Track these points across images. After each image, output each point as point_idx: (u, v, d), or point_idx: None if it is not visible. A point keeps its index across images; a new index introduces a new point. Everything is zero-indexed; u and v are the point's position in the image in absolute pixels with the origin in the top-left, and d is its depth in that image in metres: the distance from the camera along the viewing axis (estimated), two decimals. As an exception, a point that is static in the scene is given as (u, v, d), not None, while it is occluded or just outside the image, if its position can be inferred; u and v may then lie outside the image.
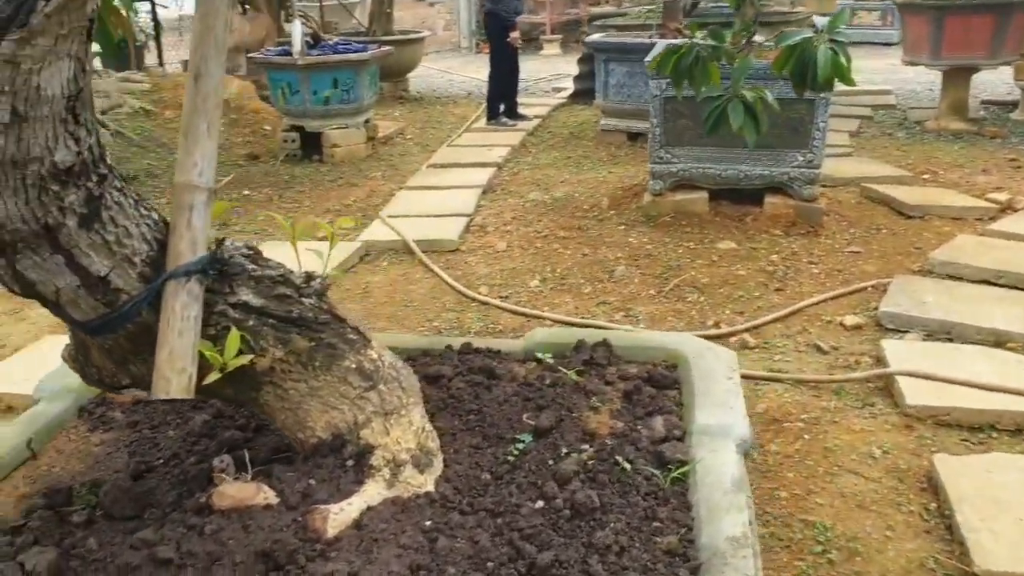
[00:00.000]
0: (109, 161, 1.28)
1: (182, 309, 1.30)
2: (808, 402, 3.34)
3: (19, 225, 1.17)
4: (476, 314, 4.72)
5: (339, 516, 1.39)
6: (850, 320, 4.05)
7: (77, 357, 1.38)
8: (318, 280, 1.54)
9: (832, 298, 4.43)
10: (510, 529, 1.36)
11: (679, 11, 7.79)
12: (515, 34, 8.08)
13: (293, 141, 8.34)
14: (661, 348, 2.00)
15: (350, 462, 1.50)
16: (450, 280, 5.27)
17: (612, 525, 1.39)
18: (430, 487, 1.49)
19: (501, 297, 5.01)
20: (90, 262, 1.24)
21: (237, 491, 1.44)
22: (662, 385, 1.85)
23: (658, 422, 1.68)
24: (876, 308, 4.06)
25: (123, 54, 12.77)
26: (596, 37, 8.18)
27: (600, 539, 1.35)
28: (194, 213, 1.34)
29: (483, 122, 9.09)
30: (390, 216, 6.44)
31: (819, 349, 3.73)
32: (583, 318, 4.59)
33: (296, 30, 7.87)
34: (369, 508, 1.41)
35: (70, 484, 1.51)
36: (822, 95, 5.07)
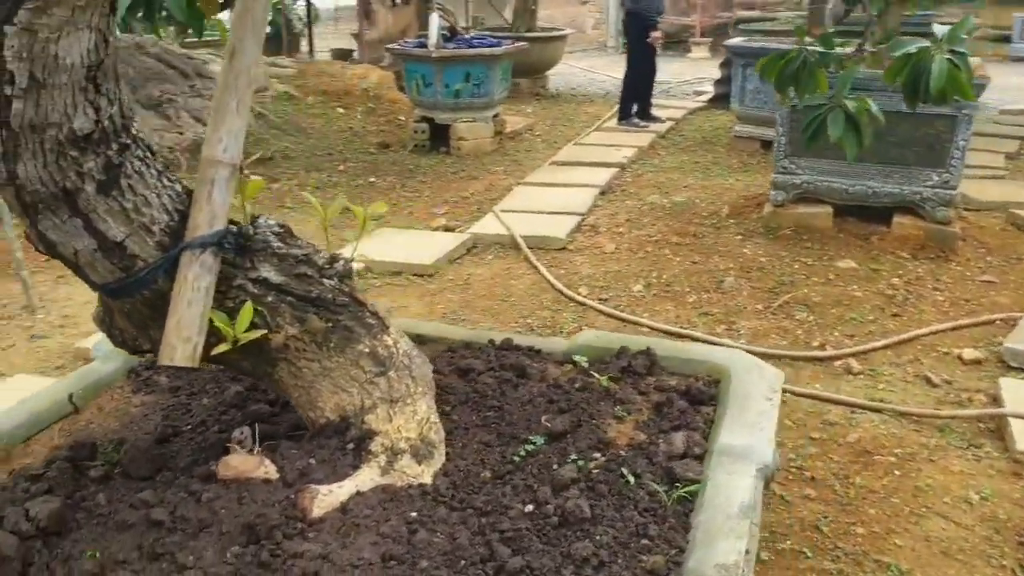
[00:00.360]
0: (137, 132, 1.33)
1: (194, 280, 1.34)
2: (906, 436, 3.16)
3: (39, 187, 1.23)
4: (572, 314, 4.68)
5: (327, 498, 1.40)
6: (969, 354, 3.79)
7: (104, 319, 1.45)
8: (341, 262, 1.56)
9: (953, 328, 4.16)
10: (492, 530, 1.34)
11: (825, 17, 7.48)
12: (656, 34, 7.95)
13: (423, 132, 8.52)
14: (705, 362, 1.92)
15: (351, 445, 1.51)
16: (551, 278, 5.24)
17: (598, 538, 1.34)
18: (426, 479, 1.48)
19: (601, 299, 4.96)
20: (107, 227, 1.29)
21: (240, 463, 1.47)
22: (697, 400, 1.78)
23: (679, 437, 1.61)
24: (1001, 343, 3.79)
25: (277, 40, 13.38)
26: (735, 41, 7.97)
27: (580, 550, 1.30)
28: (215, 187, 1.37)
29: (614, 122, 9.01)
30: (503, 211, 6.47)
31: (929, 381, 3.51)
32: (682, 327, 4.49)
33: (433, 23, 8.01)
34: (359, 493, 1.42)
35: (96, 440, 1.58)
36: (964, 111, 4.77)
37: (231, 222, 1.46)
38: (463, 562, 1.25)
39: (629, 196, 7.11)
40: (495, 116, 8.53)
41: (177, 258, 1.35)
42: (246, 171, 1.47)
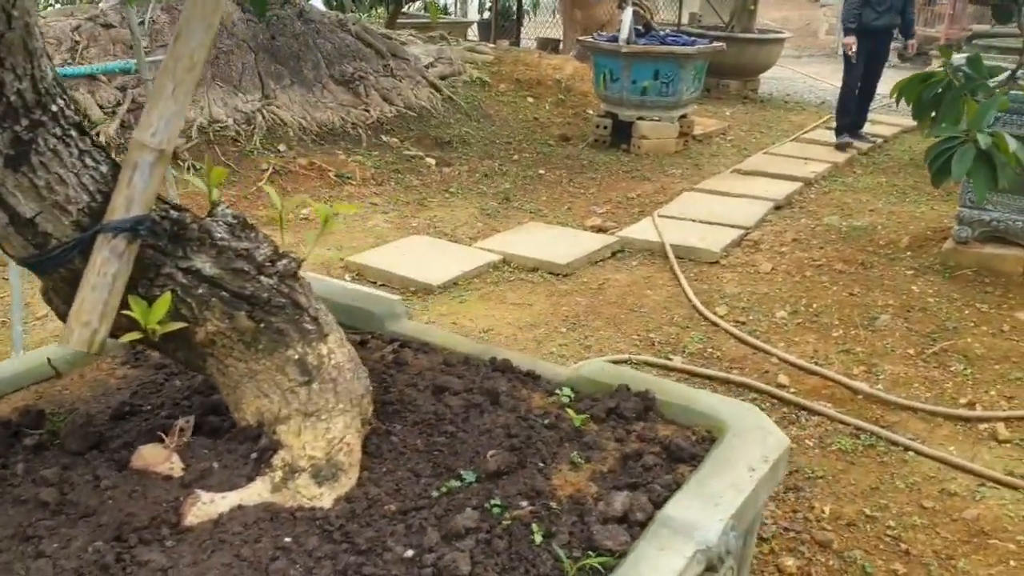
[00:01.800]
0: (60, 109, 1.32)
1: (102, 264, 1.31)
2: (1038, 523, 2.73)
3: None
4: (700, 334, 4.44)
5: (207, 507, 1.33)
6: None
7: (46, 292, 1.46)
8: (285, 261, 1.49)
9: None
10: (356, 573, 1.22)
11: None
12: (847, 40, 7.37)
13: (604, 128, 8.38)
14: (705, 414, 1.70)
15: (254, 455, 1.44)
16: (690, 293, 5.00)
17: None
18: (325, 502, 1.38)
19: (737, 322, 4.67)
20: (16, 203, 1.29)
21: (150, 455, 1.44)
22: (676, 457, 1.57)
23: (620, 498, 1.42)
24: None
25: (487, 26, 13.61)
26: (959, 57, 7.24)
27: None
28: (137, 172, 1.34)
29: (816, 133, 8.51)
30: (663, 216, 6.24)
31: (1088, 467, 3.01)
32: (818, 363, 4.16)
33: (626, 17, 7.83)
34: (240, 507, 1.34)
35: (47, 409, 1.61)
36: None
37: (209, 206, 1.43)
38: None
39: (805, 214, 6.66)
40: (682, 117, 8.24)
41: (92, 240, 1.33)
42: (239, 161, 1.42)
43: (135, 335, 1.38)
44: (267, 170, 6.53)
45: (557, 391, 1.76)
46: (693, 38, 8.55)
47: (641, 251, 5.76)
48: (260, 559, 1.24)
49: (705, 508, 1.40)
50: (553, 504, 1.44)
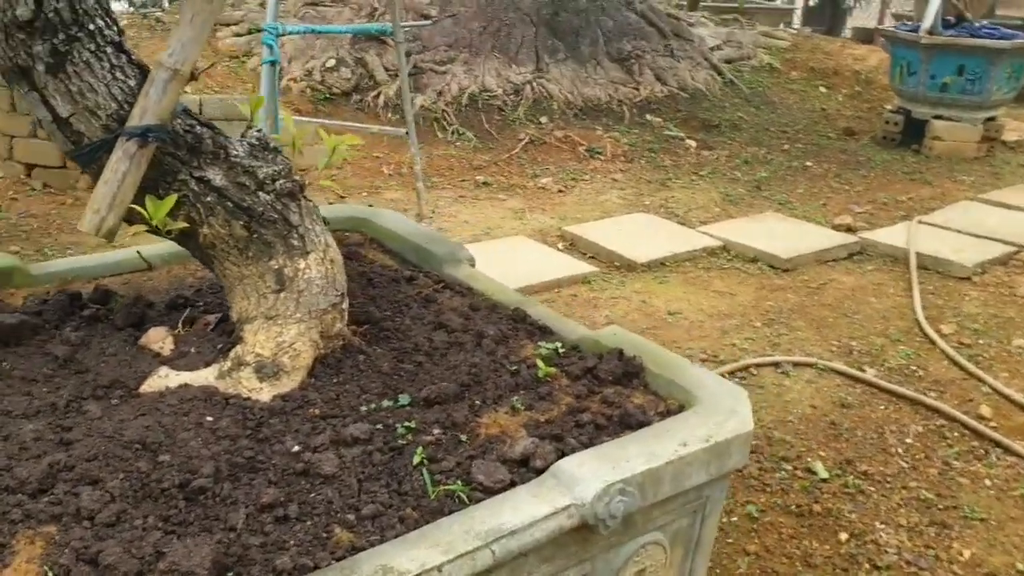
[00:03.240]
0: (98, 28, 1.57)
1: (115, 163, 1.56)
2: None
3: (3, 61, 1.55)
4: (909, 350, 4.12)
5: (160, 380, 1.54)
6: None
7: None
8: (283, 182, 1.65)
9: None
10: (238, 454, 1.36)
11: None
12: None
13: (895, 124, 7.80)
14: (685, 388, 1.63)
15: (220, 346, 1.62)
16: (918, 305, 4.61)
17: (312, 495, 1.29)
18: (263, 396, 1.53)
19: (960, 344, 4.27)
20: (55, 104, 1.56)
21: (154, 335, 1.68)
22: (626, 423, 1.53)
23: (525, 444, 1.43)
24: None
25: (821, 13, 12.98)
26: None
27: (271, 496, 1.27)
28: (153, 87, 1.56)
29: None
30: (924, 222, 5.75)
31: None
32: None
33: (933, 5, 7.19)
34: (186, 385, 1.53)
35: (118, 291, 1.91)
36: None
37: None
38: (186, 472, 1.30)
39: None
40: (989, 119, 7.42)
41: (114, 142, 1.57)
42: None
43: (139, 228, 1.60)
44: (523, 140, 6.81)
45: (547, 344, 1.77)
46: (1015, 31, 7.60)
47: (882, 256, 5.33)
48: (174, 427, 1.41)
49: (600, 469, 1.36)
50: (462, 437, 1.47)
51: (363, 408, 1.53)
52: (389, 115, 6.63)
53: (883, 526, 2.91)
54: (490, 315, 1.90)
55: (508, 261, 4.77)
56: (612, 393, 1.64)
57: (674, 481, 1.45)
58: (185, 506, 1.26)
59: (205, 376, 1.56)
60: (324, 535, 1.24)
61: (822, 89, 9.00)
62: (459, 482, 1.36)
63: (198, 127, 1.66)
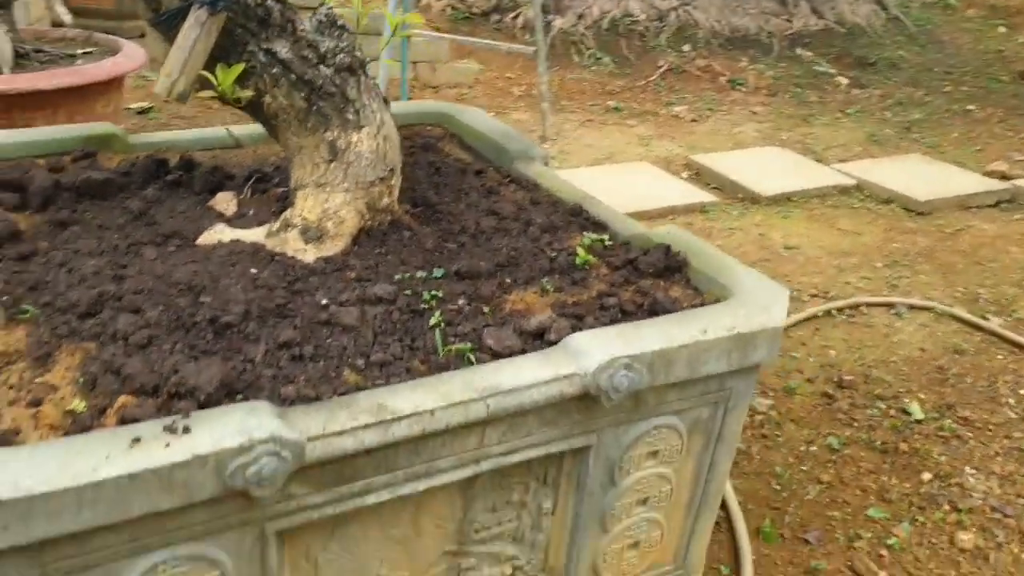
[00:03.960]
0: None
1: (187, 29, 1.66)
2: None
3: None
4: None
5: (215, 235, 1.65)
6: None
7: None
8: (342, 56, 1.71)
9: None
10: (273, 301, 1.45)
11: None
12: None
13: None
14: (724, 284, 1.61)
15: (274, 210, 1.72)
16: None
17: (329, 341, 1.37)
18: (307, 258, 1.62)
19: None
20: None
21: (221, 198, 1.80)
22: (655, 312, 1.54)
23: (542, 318, 1.46)
24: None
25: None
26: None
27: (290, 340, 1.36)
28: None
29: None
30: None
31: None
32: None
33: None
34: (238, 240, 1.64)
35: (198, 159, 2.04)
36: None
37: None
38: (219, 311, 1.41)
39: None
40: None
41: (188, 9, 1.68)
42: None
43: (208, 93, 1.70)
44: (662, 68, 6.66)
45: (594, 235, 1.77)
46: None
47: (1047, 215, 4.95)
48: (218, 274, 1.51)
49: (609, 344, 1.37)
50: (485, 309, 1.51)
51: (397, 276, 1.59)
52: (527, 36, 6.61)
53: (973, 471, 2.78)
54: (547, 208, 1.91)
55: (624, 185, 4.73)
56: (649, 285, 1.63)
57: (689, 365, 1.44)
58: (212, 338, 1.36)
59: (256, 234, 1.66)
60: (333, 375, 1.32)
61: (1001, 29, 8.32)
62: (469, 344, 1.40)
63: (269, 1, 1.73)
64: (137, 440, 1.12)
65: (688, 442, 1.58)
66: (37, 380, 1.27)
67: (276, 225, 1.67)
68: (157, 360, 1.29)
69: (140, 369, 1.26)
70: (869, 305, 3.82)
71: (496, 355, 1.40)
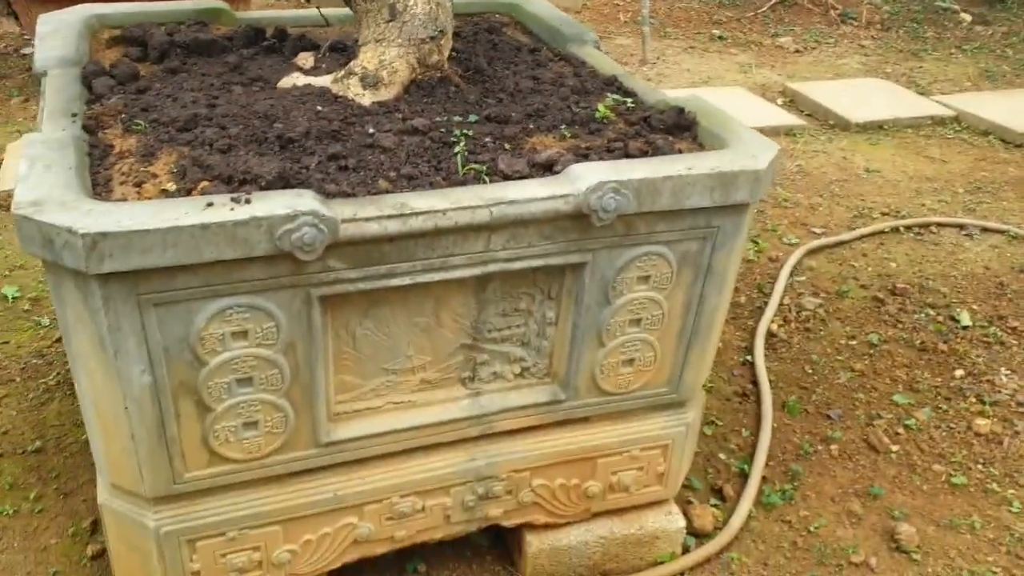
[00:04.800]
0: None
1: None
2: None
3: None
4: None
5: (291, 80, 1.98)
6: None
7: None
8: None
9: None
10: (331, 124, 1.77)
11: None
12: None
13: None
14: (723, 137, 1.83)
15: (341, 60, 2.04)
16: None
17: (370, 156, 1.68)
18: (364, 101, 1.92)
19: None
20: None
21: (302, 56, 2.13)
22: (655, 155, 1.78)
23: (550, 152, 1.72)
24: None
25: None
26: None
27: (338, 153, 1.67)
28: None
29: None
30: None
31: None
32: None
33: None
34: (309, 85, 1.96)
35: (288, 29, 2.38)
36: None
37: None
38: (286, 132, 1.74)
39: None
40: None
41: None
42: None
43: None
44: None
45: (617, 96, 2.01)
46: None
47: None
48: (290, 108, 1.84)
49: (602, 171, 1.62)
50: (506, 146, 1.78)
51: (436, 118, 1.87)
52: (639, -34, 6.71)
53: (1008, 372, 2.90)
54: (585, 78, 2.16)
55: (713, 105, 4.86)
56: (658, 138, 1.86)
57: (674, 196, 1.68)
58: (278, 149, 1.69)
59: (324, 81, 1.98)
60: (369, 182, 1.62)
61: None
62: (485, 167, 1.68)
63: None
64: (210, 204, 1.45)
65: (678, 273, 1.82)
66: (142, 170, 1.63)
67: (341, 74, 1.98)
68: (233, 160, 1.63)
69: (219, 164, 1.60)
70: (940, 225, 3.89)
71: (507, 177, 1.68)
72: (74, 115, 1.81)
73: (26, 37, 5.93)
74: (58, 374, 2.71)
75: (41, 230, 1.39)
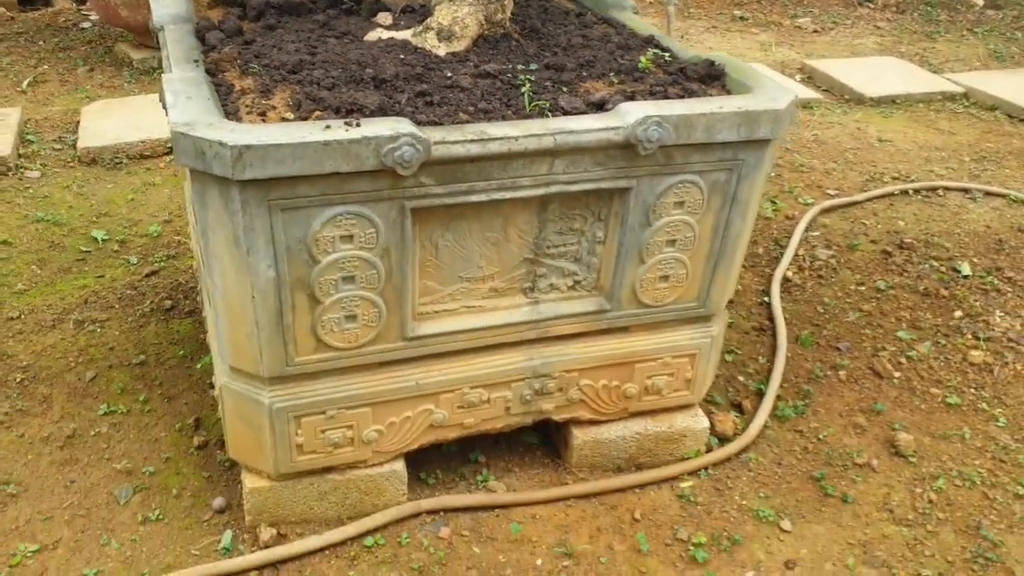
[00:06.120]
0: None
1: None
2: None
3: None
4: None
5: (376, 34, 2.31)
6: None
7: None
8: None
9: None
10: (413, 71, 2.10)
11: None
12: None
13: None
14: (748, 86, 2.14)
15: (419, 18, 2.36)
16: None
17: (449, 98, 2.00)
18: (440, 52, 2.24)
19: None
20: None
21: (383, 14, 2.46)
22: (690, 92, 2.09)
23: (604, 92, 2.04)
24: None
25: None
26: None
27: (423, 91, 2.00)
28: None
29: None
30: None
31: None
32: None
33: None
34: (392, 38, 2.29)
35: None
36: None
37: None
38: (379, 74, 2.06)
39: None
40: None
41: None
42: None
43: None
44: (792, -19, 6.91)
45: (658, 51, 2.33)
46: None
47: None
48: (378, 57, 2.16)
49: (647, 108, 1.94)
50: (564, 88, 2.10)
51: (504, 66, 2.20)
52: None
53: (1003, 314, 3.19)
54: (627, 37, 2.47)
55: (735, 79, 5.16)
56: (692, 85, 2.17)
57: (706, 130, 1.99)
58: (373, 88, 2.01)
59: (405, 35, 2.30)
60: (452, 114, 1.94)
61: None
62: (548, 104, 2.00)
63: None
64: (328, 127, 1.78)
65: (708, 199, 2.14)
66: (263, 103, 1.96)
67: (419, 28, 2.30)
68: (339, 95, 1.95)
69: (328, 97, 1.93)
70: (947, 188, 4.18)
71: (566, 113, 2.00)
72: (196, 61, 2.14)
73: (84, 12, 6.28)
74: (151, 303, 3.06)
75: (195, 144, 1.72)
